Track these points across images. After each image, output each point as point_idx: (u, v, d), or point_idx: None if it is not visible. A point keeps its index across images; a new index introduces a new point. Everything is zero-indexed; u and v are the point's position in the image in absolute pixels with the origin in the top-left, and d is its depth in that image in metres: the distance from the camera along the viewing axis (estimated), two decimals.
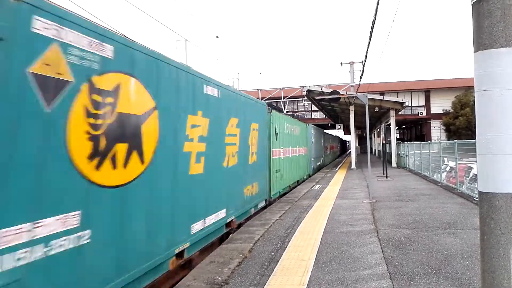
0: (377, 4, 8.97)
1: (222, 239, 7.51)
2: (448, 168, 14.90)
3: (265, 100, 44.94)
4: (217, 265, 5.80)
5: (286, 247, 6.61)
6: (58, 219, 3.28)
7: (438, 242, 6.47)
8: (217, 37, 60.86)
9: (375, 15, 9.40)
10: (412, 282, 4.75)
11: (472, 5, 2.89)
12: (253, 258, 6.07)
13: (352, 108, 25.91)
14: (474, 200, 10.13)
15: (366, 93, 17.17)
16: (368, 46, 12.76)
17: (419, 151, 20.19)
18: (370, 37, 11.59)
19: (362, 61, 16.67)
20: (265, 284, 4.92)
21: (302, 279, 5.02)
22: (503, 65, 2.64)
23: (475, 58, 2.80)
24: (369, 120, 17.40)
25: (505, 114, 2.65)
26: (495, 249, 2.65)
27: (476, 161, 2.98)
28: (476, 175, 8.39)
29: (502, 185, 2.62)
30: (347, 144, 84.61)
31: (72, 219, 3.44)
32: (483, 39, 2.72)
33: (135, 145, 4.44)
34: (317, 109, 39.99)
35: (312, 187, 15.73)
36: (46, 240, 3.16)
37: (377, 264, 5.48)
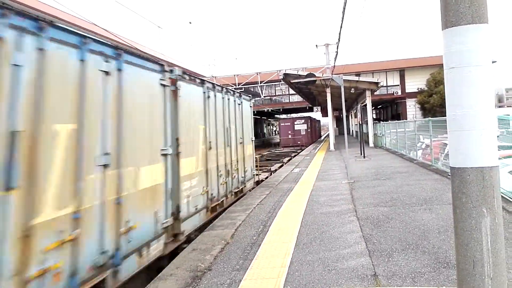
0: None
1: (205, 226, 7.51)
2: (423, 146, 15.19)
3: (242, 85, 44.81)
4: (199, 252, 5.82)
5: (268, 230, 6.66)
6: None
7: (415, 218, 6.62)
8: (190, 22, 59.93)
9: None
10: (390, 258, 4.86)
11: None
12: (235, 244, 6.11)
13: (328, 90, 26.03)
14: (449, 175, 10.36)
15: (342, 74, 17.29)
16: (341, 27, 12.78)
17: (395, 130, 20.52)
18: (343, 18, 11.60)
19: (336, 43, 16.72)
20: (247, 268, 4.96)
21: (284, 261, 5.08)
22: (470, 41, 2.68)
23: (443, 36, 2.83)
24: (346, 101, 17.54)
25: (473, 90, 2.70)
26: (468, 223, 2.72)
27: None
28: None
29: (472, 160, 2.68)
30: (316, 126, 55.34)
31: None
32: (450, 16, 2.74)
33: None
34: (295, 92, 40.08)
35: (292, 170, 15.84)
36: None
37: (356, 243, 5.58)
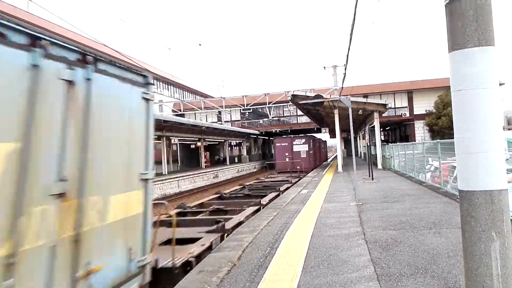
0: (355, 7, 9.06)
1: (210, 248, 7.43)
2: (432, 168, 15.07)
3: (250, 106, 45.14)
4: (206, 274, 5.75)
5: (275, 253, 6.59)
6: None
7: (424, 242, 6.52)
8: (200, 44, 61.05)
9: (354, 18, 9.52)
10: (399, 283, 4.77)
11: (446, 6, 2.93)
12: (242, 266, 6.04)
13: (336, 111, 26.09)
14: (458, 199, 10.25)
15: (349, 96, 17.35)
16: (349, 49, 12.88)
17: (404, 152, 20.39)
18: (350, 40, 11.70)
19: (344, 65, 16.85)
20: None
21: (291, 284, 5.00)
22: (477, 64, 2.69)
23: (450, 58, 2.85)
24: (354, 122, 17.55)
25: (481, 113, 2.69)
26: (477, 247, 2.68)
27: None
28: None
29: (480, 183, 2.66)
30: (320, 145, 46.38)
31: None
32: (457, 39, 2.76)
33: None
34: (303, 113, 40.22)
35: (300, 191, 15.75)
36: None
37: (364, 266, 5.49)
